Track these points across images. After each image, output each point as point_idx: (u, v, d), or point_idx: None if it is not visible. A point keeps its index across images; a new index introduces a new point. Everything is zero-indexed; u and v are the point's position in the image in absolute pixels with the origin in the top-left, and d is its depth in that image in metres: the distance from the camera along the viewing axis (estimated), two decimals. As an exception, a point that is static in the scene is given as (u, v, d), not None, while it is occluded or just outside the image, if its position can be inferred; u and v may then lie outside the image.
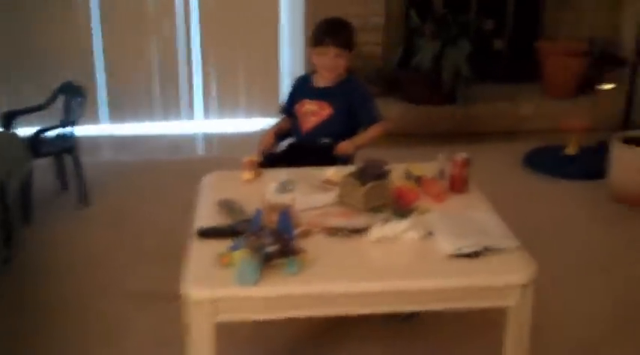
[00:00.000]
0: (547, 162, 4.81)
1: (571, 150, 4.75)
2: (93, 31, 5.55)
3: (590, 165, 4.68)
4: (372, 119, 3.25)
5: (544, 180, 4.63)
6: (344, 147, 3.14)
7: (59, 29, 5.52)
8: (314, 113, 3.27)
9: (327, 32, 3.23)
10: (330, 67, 3.21)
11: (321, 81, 3.31)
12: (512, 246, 2.23)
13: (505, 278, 2.14)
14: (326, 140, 3.16)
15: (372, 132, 3.24)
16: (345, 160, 3.15)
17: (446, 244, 2.22)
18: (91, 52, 5.59)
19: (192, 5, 5.59)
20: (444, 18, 5.36)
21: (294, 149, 3.37)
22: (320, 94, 3.28)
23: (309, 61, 3.35)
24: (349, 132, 3.23)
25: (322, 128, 3.23)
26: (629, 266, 3.56)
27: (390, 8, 5.67)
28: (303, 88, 3.40)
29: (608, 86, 5.73)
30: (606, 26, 5.83)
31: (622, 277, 3.45)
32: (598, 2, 5.72)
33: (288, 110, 3.42)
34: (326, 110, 3.24)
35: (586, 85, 5.63)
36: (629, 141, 4.27)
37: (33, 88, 5.52)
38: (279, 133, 3.40)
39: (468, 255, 2.17)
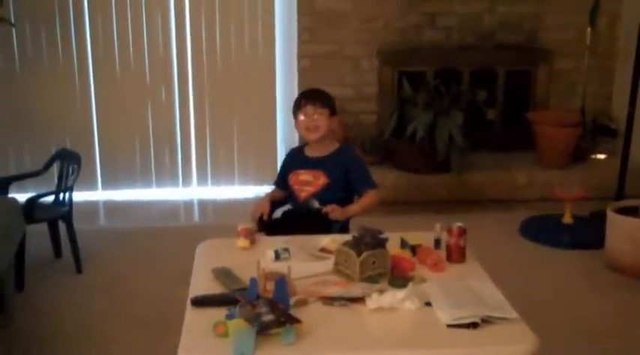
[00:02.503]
0: (543, 231, 4.81)
1: (567, 219, 4.76)
2: (89, 98, 5.61)
3: (585, 235, 4.69)
4: (366, 187, 3.27)
5: (540, 249, 4.62)
6: (336, 212, 3.14)
7: (55, 96, 5.58)
8: (309, 183, 3.27)
9: (303, 96, 3.36)
10: (312, 126, 3.26)
11: (314, 151, 3.33)
12: (511, 317, 2.21)
13: (506, 350, 2.11)
14: (316, 203, 3.16)
15: (366, 200, 3.25)
16: (341, 228, 3.14)
17: (443, 314, 2.20)
18: (87, 119, 5.64)
19: (188, 73, 5.67)
20: (437, 88, 5.44)
21: (289, 216, 3.37)
22: (314, 164, 3.30)
23: (297, 133, 3.42)
24: (345, 200, 3.24)
25: (318, 197, 3.23)
26: (624, 336, 3.54)
27: (382, 78, 5.77)
28: (296, 160, 3.42)
29: (601, 156, 5.79)
30: (597, 97, 5.92)
31: (617, 346, 3.43)
32: (589, 74, 5.83)
33: (281, 183, 3.43)
34: (321, 179, 3.25)
35: (579, 155, 5.69)
36: (623, 211, 4.30)
37: (29, 154, 5.56)
38: (274, 201, 3.40)
39: (466, 326, 2.15)
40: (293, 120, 3.37)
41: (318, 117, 3.25)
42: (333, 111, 3.31)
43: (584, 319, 3.72)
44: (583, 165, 5.68)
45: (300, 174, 3.31)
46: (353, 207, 3.23)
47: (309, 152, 3.35)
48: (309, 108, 3.25)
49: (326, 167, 3.26)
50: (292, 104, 3.39)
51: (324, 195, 3.21)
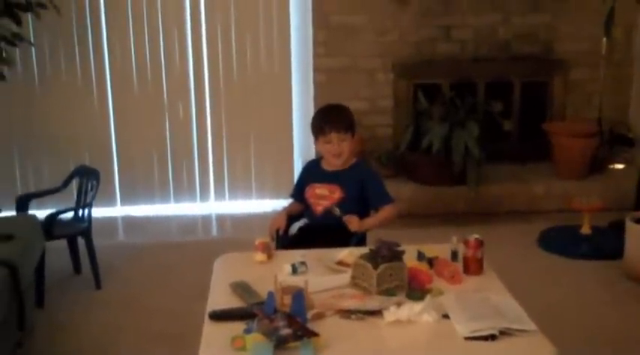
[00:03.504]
0: (562, 242, 4.79)
1: (586, 230, 4.73)
2: (107, 115, 5.67)
3: (604, 245, 4.66)
4: (382, 202, 3.27)
5: (559, 260, 4.60)
6: (354, 223, 3.13)
7: (74, 113, 5.63)
8: (325, 197, 3.28)
9: (326, 120, 3.28)
10: (336, 152, 3.25)
11: (331, 165, 3.34)
12: (529, 328, 2.20)
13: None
14: (337, 210, 3.15)
15: (383, 214, 3.26)
16: (357, 241, 3.14)
17: (461, 327, 2.19)
18: (106, 136, 5.69)
19: (204, 88, 5.71)
20: (452, 100, 5.44)
21: (305, 232, 3.38)
22: (330, 178, 3.30)
23: (313, 147, 3.40)
24: (361, 214, 3.24)
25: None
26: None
27: (398, 91, 5.78)
28: (312, 173, 3.42)
29: (619, 166, 5.76)
30: (614, 107, 5.89)
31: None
32: (605, 83, 5.81)
33: (298, 195, 3.44)
34: (337, 193, 3.26)
35: (597, 165, 5.66)
36: (642, 221, 4.27)
37: (48, 170, 5.61)
38: (291, 215, 3.41)
39: (484, 338, 2.14)
40: (311, 136, 3.35)
41: (342, 143, 3.25)
42: (354, 131, 3.31)
43: (604, 330, 3.69)
44: (601, 176, 5.64)
45: (316, 188, 3.32)
46: (370, 221, 3.24)
47: (326, 165, 3.36)
48: (334, 136, 3.23)
49: (342, 181, 3.27)
50: (311, 121, 3.36)
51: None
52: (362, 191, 3.26)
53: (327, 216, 3.20)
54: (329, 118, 3.29)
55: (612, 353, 3.45)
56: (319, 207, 3.28)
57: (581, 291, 4.17)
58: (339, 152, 3.25)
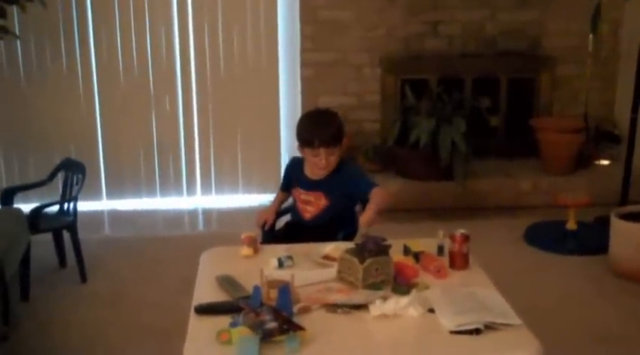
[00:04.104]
0: (547, 237, 4.81)
1: (571, 225, 4.76)
2: (93, 108, 5.64)
3: (590, 241, 4.69)
4: (368, 188, 3.08)
5: (544, 255, 4.62)
6: (367, 219, 2.87)
7: (60, 106, 5.61)
8: (310, 203, 3.24)
9: (314, 133, 3.11)
10: (324, 166, 3.14)
11: (314, 175, 3.23)
12: (514, 323, 2.21)
13: (509, 356, 2.11)
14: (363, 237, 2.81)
15: (377, 198, 3.01)
16: (345, 237, 3.13)
17: (446, 321, 2.20)
18: (92, 129, 5.67)
19: (191, 82, 5.69)
20: (439, 96, 5.45)
21: (292, 227, 3.37)
22: (314, 186, 3.23)
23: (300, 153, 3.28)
24: (349, 214, 3.22)
25: (321, 216, 3.20)
26: (629, 342, 3.54)
27: (385, 86, 5.78)
28: (297, 174, 3.32)
29: (604, 162, 5.79)
30: (600, 103, 5.93)
31: (621, 352, 3.42)
32: (592, 80, 5.83)
33: (285, 187, 3.43)
34: (322, 201, 3.21)
35: (583, 161, 5.69)
36: (627, 216, 4.30)
37: (34, 164, 5.58)
38: (279, 211, 3.40)
39: (470, 332, 2.15)
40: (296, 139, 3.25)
41: (331, 157, 3.13)
42: (342, 141, 3.17)
43: (589, 325, 3.71)
44: (587, 172, 5.68)
45: (301, 194, 3.28)
46: (373, 205, 2.95)
47: (310, 173, 3.25)
48: (322, 151, 3.10)
49: (325, 189, 3.20)
50: (297, 128, 3.19)
51: (326, 215, 3.19)
52: (346, 191, 3.17)
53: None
54: (318, 132, 3.11)
55: (597, 348, 3.47)
56: (307, 213, 3.25)
57: (566, 286, 4.19)
58: (327, 165, 3.14)
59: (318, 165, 3.15)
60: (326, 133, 3.11)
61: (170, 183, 5.82)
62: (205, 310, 2.30)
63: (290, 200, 3.42)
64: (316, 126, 3.15)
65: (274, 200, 3.45)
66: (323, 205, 3.21)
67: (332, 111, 3.30)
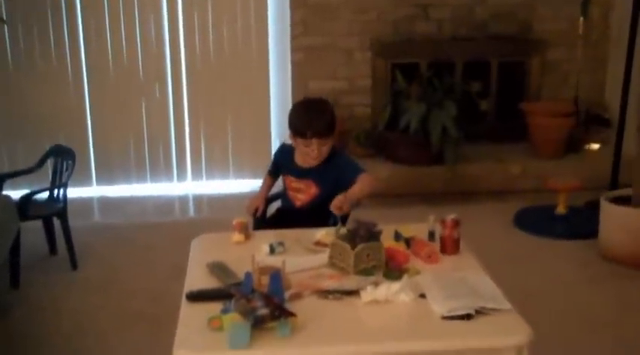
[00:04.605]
0: (537, 221, 4.83)
1: (561, 209, 4.77)
2: (83, 94, 5.61)
3: (580, 225, 4.70)
4: (355, 173, 3.08)
5: (534, 239, 4.64)
6: (338, 204, 2.86)
7: (49, 92, 5.57)
8: (301, 191, 3.23)
9: (308, 124, 3.08)
10: (316, 156, 3.13)
11: (305, 163, 3.21)
12: (505, 307, 2.21)
13: (500, 341, 2.12)
14: (344, 229, 2.77)
15: (361, 183, 3.03)
16: (336, 222, 3.11)
17: (438, 306, 2.20)
18: (81, 115, 5.64)
19: (181, 68, 5.66)
20: (430, 80, 5.44)
21: (283, 213, 3.36)
22: (304, 174, 3.21)
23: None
24: None
25: (312, 204, 3.19)
26: (619, 326, 3.55)
27: (376, 70, 5.77)
28: (287, 161, 3.30)
29: (594, 146, 5.80)
30: (591, 87, 5.93)
31: (612, 336, 3.44)
32: (582, 64, 5.83)
33: (274, 172, 3.42)
34: (312, 189, 3.20)
35: (573, 145, 5.70)
36: (617, 200, 4.31)
37: (23, 150, 5.55)
38: (269, 197, 3.40)
39: (461, 317, 2.16)
40: (287, 113, 3.25)
41: (323, 147, 3.11)
42: (335, 130, 3.15)
43: (579, 309, 3.73)
44: (577, 155, 5.69)
45: (292, 181, 3.27)
46: (351, 193, 2.95)
47: (301, 161, 3.23)
48: (315, 141, 3.08)
49: (316, 177, 3.19)
50: (289, 117, 3.16)
51: (316, 203, 3.17)
52: (335, 179, 3.13)
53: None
54: (311, 123, 3.08)
55: (587, 332, 3.49)
56: (298, 201, 3.24)
57: (556, 271, 4.20)
58: (318, 156, 3.13)
59: (310, 155, 3.14)
60: (319, 124, 3.09)
61: (160, 169, 5.80)
62: (197, 297, 2.30)
63: (280, 185, 3.42)
64: (309, 117, 3.12)
65: (262, 186, 3.44)
66: (313, 193, 3.20)
67: (325, 101, 3.27)
